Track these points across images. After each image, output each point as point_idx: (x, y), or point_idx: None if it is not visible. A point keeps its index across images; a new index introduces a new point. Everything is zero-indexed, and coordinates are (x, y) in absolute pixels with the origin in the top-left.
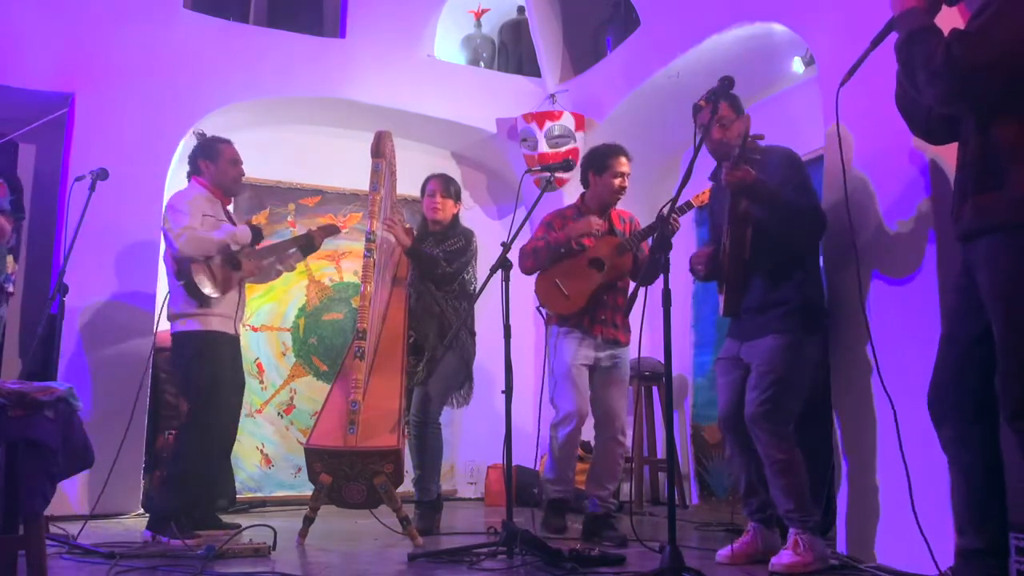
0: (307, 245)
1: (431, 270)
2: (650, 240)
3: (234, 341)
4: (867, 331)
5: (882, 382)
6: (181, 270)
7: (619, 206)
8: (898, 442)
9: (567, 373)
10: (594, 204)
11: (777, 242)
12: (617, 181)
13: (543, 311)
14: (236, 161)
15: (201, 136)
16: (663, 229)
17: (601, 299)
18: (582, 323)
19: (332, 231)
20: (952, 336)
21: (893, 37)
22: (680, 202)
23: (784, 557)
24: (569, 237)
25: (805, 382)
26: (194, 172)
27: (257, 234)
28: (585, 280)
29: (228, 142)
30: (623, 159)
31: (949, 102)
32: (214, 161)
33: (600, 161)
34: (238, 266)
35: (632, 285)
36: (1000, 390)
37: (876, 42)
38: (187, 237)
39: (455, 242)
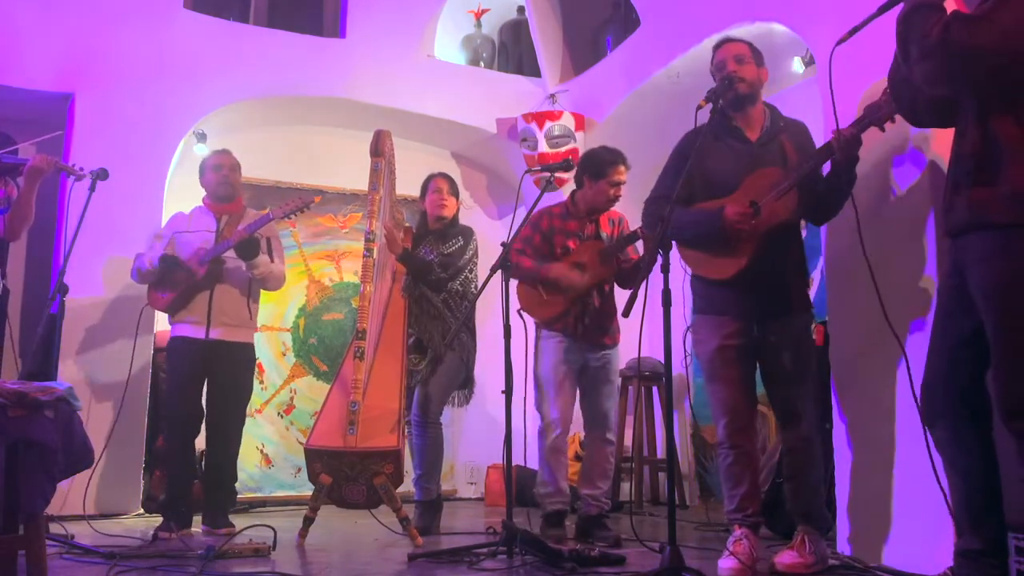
0: (246, 247)
1: (424, 276)
2: (638, 246)
3: (204, 345)
4: (896, 337)
5: (911, 382)
6: None
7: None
8: (926, 445)
9: (549, 379)
10: (584, 206)
11: (825, 211)
12: (612, 191)
13: (523, 314)
14: (217, 167)
15: (201, 136)
16: (662, 229)
17: (586, 302)
18: (567, 326)
19: (294, 208)
20: (942, 335)
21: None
22: None
23: (787, 557)
24: (546, 278)
25: None
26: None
27: (171, 261)
28: None
29: (219, 152)
30: (622, 168)
31: (936, 81)
32: (203, 175)
33: (599, 167)
34: (173, 274)
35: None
36: (994, 391)
37: (883, 9)
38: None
39: (453, 243)
